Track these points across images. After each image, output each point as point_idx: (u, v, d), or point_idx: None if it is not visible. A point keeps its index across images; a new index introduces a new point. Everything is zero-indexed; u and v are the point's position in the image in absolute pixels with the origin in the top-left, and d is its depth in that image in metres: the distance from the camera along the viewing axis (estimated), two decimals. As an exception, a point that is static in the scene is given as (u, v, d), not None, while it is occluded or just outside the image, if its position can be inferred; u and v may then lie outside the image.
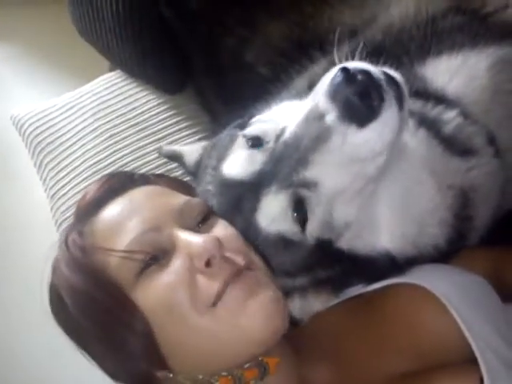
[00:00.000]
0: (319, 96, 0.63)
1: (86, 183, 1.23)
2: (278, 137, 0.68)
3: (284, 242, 0.68)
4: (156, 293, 0.63)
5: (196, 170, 0.84)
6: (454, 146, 0.73)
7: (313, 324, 0.75)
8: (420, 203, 0.71)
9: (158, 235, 0.66)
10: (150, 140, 1.25)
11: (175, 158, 0.94)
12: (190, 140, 1.25)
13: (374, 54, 0.65)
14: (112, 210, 0.70)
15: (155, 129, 1.26)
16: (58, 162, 1.28)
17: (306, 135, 0.64)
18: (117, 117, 1.29)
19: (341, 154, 0.62)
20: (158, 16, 1.20)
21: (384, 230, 0.69)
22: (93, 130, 1.28)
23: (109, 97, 1.33)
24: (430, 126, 0.73)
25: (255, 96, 0.77)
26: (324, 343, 0.73)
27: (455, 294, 0.70)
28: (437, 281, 0.71)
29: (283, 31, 0.93)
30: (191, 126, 1.27)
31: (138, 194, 0.72)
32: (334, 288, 0.74)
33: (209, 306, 0.63)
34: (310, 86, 0.71)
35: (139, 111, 1.29)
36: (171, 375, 0.64)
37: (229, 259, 0.65)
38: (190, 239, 0.66)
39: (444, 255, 0.74)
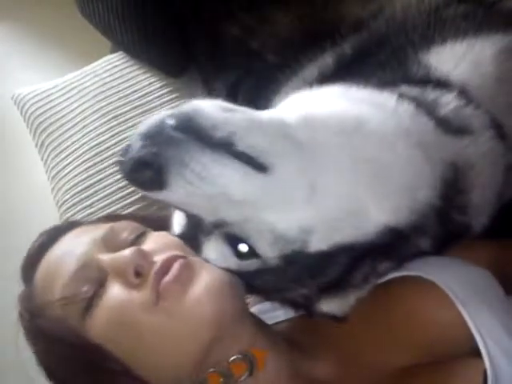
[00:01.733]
0: None
1: (88, 165, 1.24)
2: None
3: (254, 272, 0.66)
4: (105, 321, 0.64)
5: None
6: (449, 125, 0.72)
7: (309, 319, 0.74)
8: (400, 171, 0.68)
9: (87, 271, 0.66)
10: (152, 122, 1.25)
11: None
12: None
13: (379, 44, 0.65)
14: (43, 265, 0.71)
15: (157, 111, 1.26)
16: (60, 143, 1.28)
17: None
18: (119, 98, 1.29)
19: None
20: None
21: (370, 208, 0.67)
22: (94, 112, 1.28)
23: (110, 78, 1.33)
24: (425, 108, 0.72)
25: (261, 83, 0.76)
26: (326, 338, 0.73)
27: (460, 286, 0.70)
28: (441, 273, 0.71)
29: (292, 22, 0.93)
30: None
31: (64, 241, 0.72)
32: (343, 287, 0.72)
33: (153, 305, 0.63)
34: (320, 76, 0.71)
35: (141, 93, 1.29)
36: None
37: (155, 262, 0.65)
38: (112, 257, 0.66)
39: (447, 234, 0.73)
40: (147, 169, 0.57)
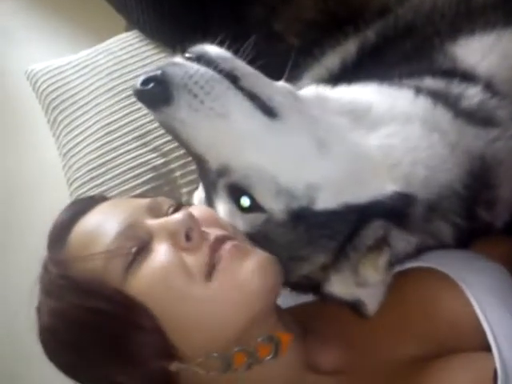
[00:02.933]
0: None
1: (100, 143, 1.23)
2: None
3: (262, 231, 0.67)
4: (150, 279, 0.63)
5: None
6: (472, 116, 0.72)
7: (320, 306, 0.75)
8: (412, 144, 0.69)
9: (134, 230, 0.65)
10: (166, 103, 1.24)
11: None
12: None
13: (405, 33, 0.64)
14: (83, 225, 0.69)
15: (171, 92, 1.25)
16: (72, 120, 1.27)
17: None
18: (133, 78, 1.27)
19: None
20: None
21: (379, 172, 0.67)
22: (108, 90, 1.27)
23: (125, 57, 1.32)
24: (449, 101, 0.72)
25: (282, 66, 0.76)
26: (336, 325, 0.73)
27: (473, 279, 0.70)
28: (455, 266, 0.71)
29: (317, 4, 0.91)
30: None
31: (104, 206, 0.72)
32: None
33: (204, 277, 0.63)
34: (342, 64, 0.70)
35: (155, 73, 1.28)
36: (184, 365, 0.64)
37: (207, 233, 0.66)
38: (165, 220, 0.66)
39: (471, 231, 0.73)
40: (154, 84, 0.63)
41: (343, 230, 0.67)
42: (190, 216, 0.65)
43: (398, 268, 0.72)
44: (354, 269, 0.68)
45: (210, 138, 0.64)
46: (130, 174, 1.19)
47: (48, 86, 1.33)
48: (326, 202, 0.65)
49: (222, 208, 0.68)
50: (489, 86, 0.72)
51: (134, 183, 1.19)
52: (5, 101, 1.81)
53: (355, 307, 0.70)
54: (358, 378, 0.69)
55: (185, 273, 0.63)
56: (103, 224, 0.67)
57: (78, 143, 1.26)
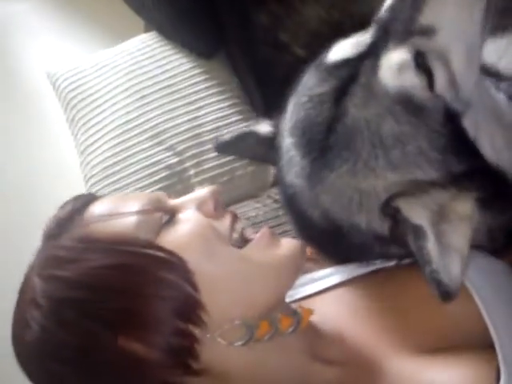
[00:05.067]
0: None
1: (116, 141, 1.26)
2: (379, 16, 0.63)
3: (414, 104, 0.60)
4: (185, 234, 0.62)
5: (274, 136, 0.74)
6: None
7: (322, 300, 0.75)
8: None
9: (162, 203, 0.65)
10: (181, 103, 1.26)
11: (240, 140, 0.82)
12: (219, 106, 1.26)
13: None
14: (101, 202, 0.65)
15: (186, 92, 1.27)
16: (90, 119, 1.30)
17: None
18: (148, 78, 1.30)
19: None
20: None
21: (498, 140, 0.64)
22: (124, 90, 1.29)
23: (142, 58, 1.34)
24: None
25: (288, 76, 0.76)
26: (337, 320, 0.73)
27: (478, 278, 0.69)
28: None
29: (321, 14, 0.92)
30: (222, 91, 1.28)
31: (111, 197, 0.69)
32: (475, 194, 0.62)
33: (234, 242, 0.65)
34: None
35: (171, 74, 1.30)
36: (209, 335, 0.61)
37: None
38: (192, 194, 0.67)
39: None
40: None
41: (472, 164, 0.61)
42: (216, 189, 0.68)
43: (403, 262, 0.71)
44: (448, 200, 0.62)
45: None
46: (144, 172, 1.22)
47: (67, 85, 1.36)
48: (468, 121, 0.61)
49: (395, 54, 0.60)
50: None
51: (148, 181, 1.21)
52: (26, 100, 1.85)
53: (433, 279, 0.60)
54: (360, 370, 0.69)
55: (217, 232, 0.64)
56: (125, 200, 0.65)
57: (94, 141, 1.29)
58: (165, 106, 1.26)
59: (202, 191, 0.67)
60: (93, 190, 1.25)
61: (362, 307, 0.73)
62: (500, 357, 0.63)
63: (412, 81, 0.59)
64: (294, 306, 0.69)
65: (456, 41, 0.60)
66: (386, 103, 0.59)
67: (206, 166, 1.21)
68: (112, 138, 1.27)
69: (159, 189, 1.19)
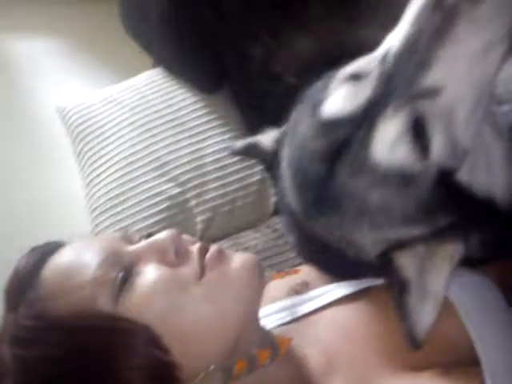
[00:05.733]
0: None
1: (120, 173, 1.29)
2: (384, 57, 0.59)
3: (403, 177, 0.58)
4: (145, 296, 0.61)
5: (274, 156, 0.73)
6: None
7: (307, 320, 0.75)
8: None
9: (117, 257, 0.63)
10: (184, 136, 1.30)
11: (250, 150, 0.82)
12: (221, 138, 1.29)
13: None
14: (55, 262, 0.64)
15: (190, 125, 1.31)
16: (96, 152, 1.34)
17: (424, 32, 0.54)
18: (154, 112, 1.34)
19: (468, 44, 0.54)
20: (199, 17, 1.24)
21: (498, 171, 0.62)
22: (130, 124, 1.33)
23: (148, 92, 1.39)
24: None
25: (281, 105, 0.77)
26: (322, 345, 0.73)
27: (464, 293, 0.69)
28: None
29: (312, 46, 0.94)
30: (224, 124, 1.31)
31: (72, 245, 0.67)
32: (458, 237, 0.63)
33: (199, 278, 0.64)
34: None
35: (175, 108, 1.34)
36: None
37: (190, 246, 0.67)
38: (151, 240, 0.66)
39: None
40: None
41: (463, 212, 0.61)
42: (175, 232, 0.67)
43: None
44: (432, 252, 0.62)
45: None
46: (147, 203, 1.24)
47: (76, 119, 1.41)
48: (463, 172, 0.59)
49: (390, 125, 0.57)
50: None
51: (150, 212, 1.23)
52: (37, 135, 1.91)
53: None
54: None
55: (179, 282, 0.62)
56: (80, 257, 0.63)
57: (100, 173, 1.32)
58: (169, 138, 1.30)
59: (162, 238, 0.66)
60: (97, 221, 1.28)
61: (351, 328, 0.73)
62: (486, 372, 0.63)
63: (405, 156, 0.57)
64: (271, 334, 0.69)
65: (464, 96, 0.56)
66: (375, 176, 0.58)
67: (207, 197, 1.23)
68: (117, 170, 1.30)
69: (161, 219, 1.21)
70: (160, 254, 0.64)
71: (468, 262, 0.69)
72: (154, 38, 1.36)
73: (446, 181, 0.58)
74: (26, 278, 0.64)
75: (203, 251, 0.66)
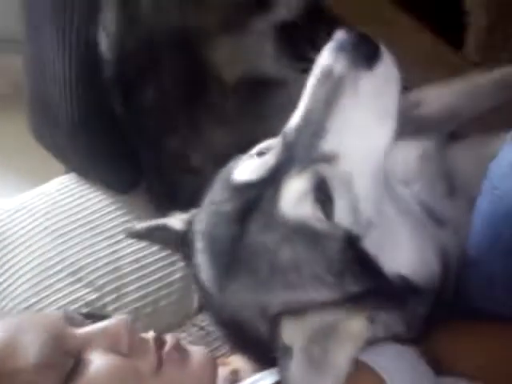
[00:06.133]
0: (322, 57, 0.61)
1: (35, 281, 1.22)
2: (285, 132, 0.65)
3: (312, 234, 0.60)
4: None
5: (185, 235, 0.75)
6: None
7: None
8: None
9: (62, 341, 0.60)
10: (100, 238, 1.27)
11: (153, 232, 0.83)
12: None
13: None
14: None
15: (105, 227, 1.28)
16: (4, 263, 1.27)
17: (317, 104, 0.60)
18: (67, 216, 1.31)
19: (355, 116, 0.60)
20: (111, 116, 1.24)
21: (404, 250, 0.66)
22: (42, 230, 1.29)
23: (60, 198, 1.36)
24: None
25: (194, 194, 0.79)
26: None
27: (390, 363, 0.68)
28: (374, 353, 0.70)
29: (224, 137, 0.99)
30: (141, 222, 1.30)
31: (8, 319, 0.66)
32: (373, 309, 0.65)
33: (156, 371, 0.62)
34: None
35: (90, 211, 1.32)
36: None
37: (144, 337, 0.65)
38: (100, 325, 0.63)
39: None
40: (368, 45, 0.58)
41: (370, 283, 0.63)
42: (128, 321, 0.63)
43: None
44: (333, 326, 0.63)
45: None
46: (64, 311, 1.18)
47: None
48: (370, 243, 0.62)
49: (295, 184, 0.61)
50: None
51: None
52: None
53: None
54: None
55: (136, 374, 0.60)
56: (16, 337, 0.59)
57: (12, 283, 1.24)
58: (84, 242, 1.26)
59: (114, 324, 0.63)
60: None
61: None
62: None
63: (310, 212, 0.61)
64: None
65: (360, 165, 0.61)
66: (284, 231, 0.60)
67: (126, 300, 1.19)
68: (30, 279, 1.23)
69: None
70: (112, 342, 0.61)
71: (396, 340, 0.71)
72: (66, 145, 1.36)
73: (353, 246, 0.61)
74: None
75: (159, 342, 0.64)
